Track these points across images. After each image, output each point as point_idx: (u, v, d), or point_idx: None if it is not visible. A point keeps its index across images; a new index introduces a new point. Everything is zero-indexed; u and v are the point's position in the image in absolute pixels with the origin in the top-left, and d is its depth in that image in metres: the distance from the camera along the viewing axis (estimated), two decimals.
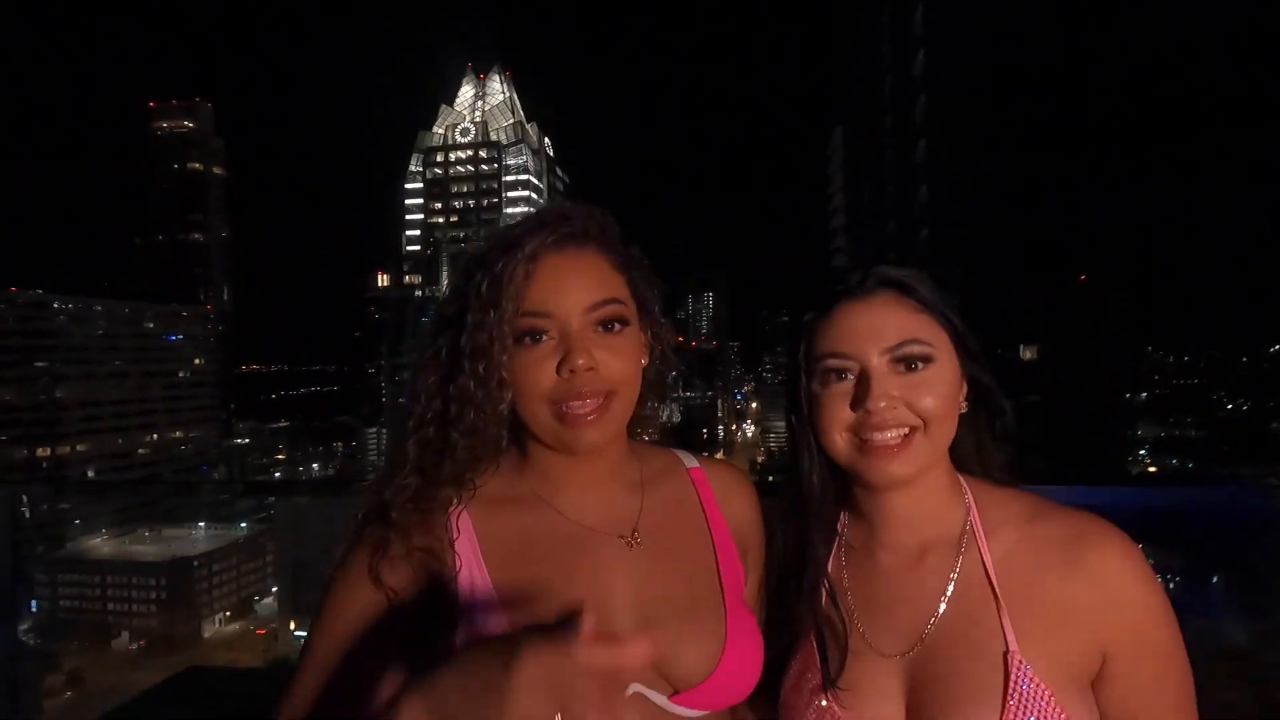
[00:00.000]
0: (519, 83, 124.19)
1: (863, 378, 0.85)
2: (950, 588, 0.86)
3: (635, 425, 0.97)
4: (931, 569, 0.88)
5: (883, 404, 0.83)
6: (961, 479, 0.92)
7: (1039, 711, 0.76)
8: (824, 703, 0.86)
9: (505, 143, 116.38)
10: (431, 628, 0.80)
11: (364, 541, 0.82)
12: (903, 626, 0.86)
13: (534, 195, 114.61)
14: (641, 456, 0.97)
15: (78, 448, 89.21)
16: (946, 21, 48.87)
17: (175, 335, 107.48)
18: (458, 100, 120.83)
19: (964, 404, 0.90)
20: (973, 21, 46.87)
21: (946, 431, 0.87)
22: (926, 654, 0.84)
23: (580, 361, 0.80)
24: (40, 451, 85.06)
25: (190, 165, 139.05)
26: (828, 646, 0.88)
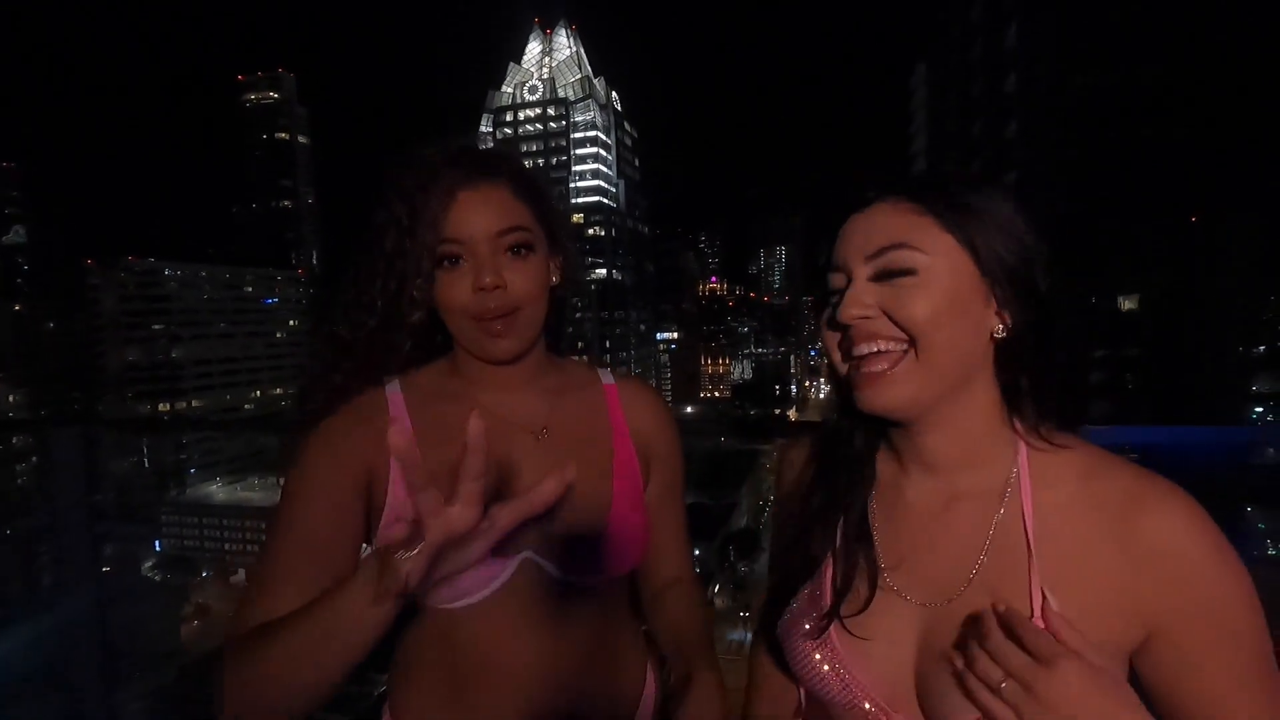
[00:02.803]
0: (585, 35, 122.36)
1: (844, 288, 0.79)
2: (988, 542, 0.79)
3: (557, 339, 1.16)
4: (966, 519, 0.81)
5: (856, 311, 0.77)
6: (1017, 423, 0.81)
7: None
8: (834, 635, 0.83)
9: (573, 99, 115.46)
10: (373, 494, 0.95)
11: (316, 422, 0.97)
12: (930, 574, 0.81)
13: (602, 151, 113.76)
14: (563, 369, 1.13)
15: (193, 403, 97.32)
16: None
17: (272, 298, 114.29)
18: (525, 58, 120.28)
19: (1001, 330, 0.78)
20: None
21: (956, 347, 0.76)
22: (954, 607, 0.78)
23: (488, 280, 0.93)
24: (161, 406, 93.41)
25: (277, 135, 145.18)
26: (847, 582, 0.84)
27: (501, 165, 1.00)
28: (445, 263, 0.96)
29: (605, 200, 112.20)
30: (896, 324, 0.75)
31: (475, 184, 0.96)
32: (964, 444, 0.81)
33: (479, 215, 0.95)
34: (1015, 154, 49.78)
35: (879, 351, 0.77)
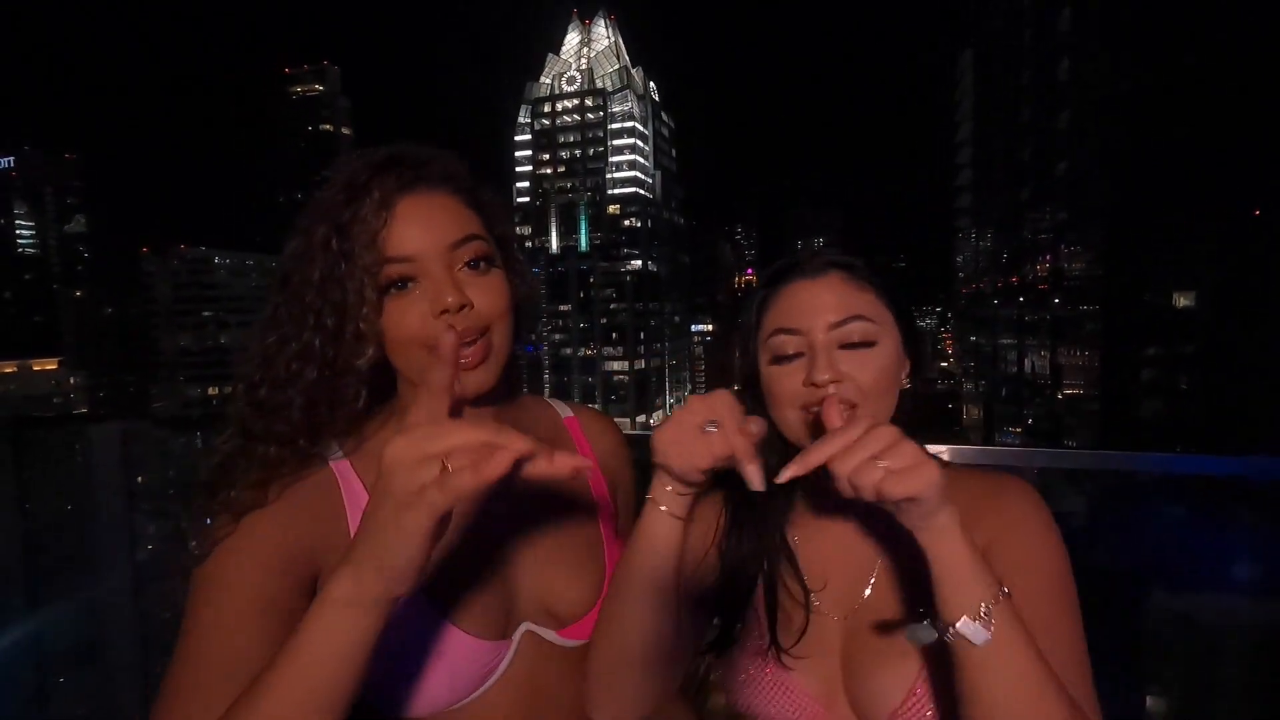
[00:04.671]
0: (624, 25, 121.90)
1: (810, 351, 0.88)
2: (885, 551, 0.92)
3: (509, 370, 0.97)
4: (870, 535, 0.94)
5: (827, 376, 0.86)
6: None
7: None
8: (775, 663, 0.91)
9: (610, 89, 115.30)
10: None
11: (239, 515, 0.75)
12: (843, 589, 0.93)
13: (639, 142, 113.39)
14: (520, 406, 0.99)
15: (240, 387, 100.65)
16: None
17: None
18: (563, 49, 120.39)
19: (906, 381, 0.93)
20: None
21: (887, 407, 0.90)
22: (864, 611, 0.90)
23: (451, 299, 0.77)
24: (210, 390, 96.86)
25: (321, 126, 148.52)
26: (781, 611, 0.93)
27: (440, 168, 0.84)
28: (392, 289, 0.79)
29: (642, 191, 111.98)
30: (856, 386, 0.87)
31: (415, 191, 0.80)
32: None
33: (426, 225, 0.79)
34: (1066, 143, 48.06)
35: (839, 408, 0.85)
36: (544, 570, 0.88)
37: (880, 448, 0.66)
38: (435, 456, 0.53)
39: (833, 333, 0.88)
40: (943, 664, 0.81)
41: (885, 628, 0.87)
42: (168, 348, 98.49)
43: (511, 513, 0.89)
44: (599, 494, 0.98)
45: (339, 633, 0.56)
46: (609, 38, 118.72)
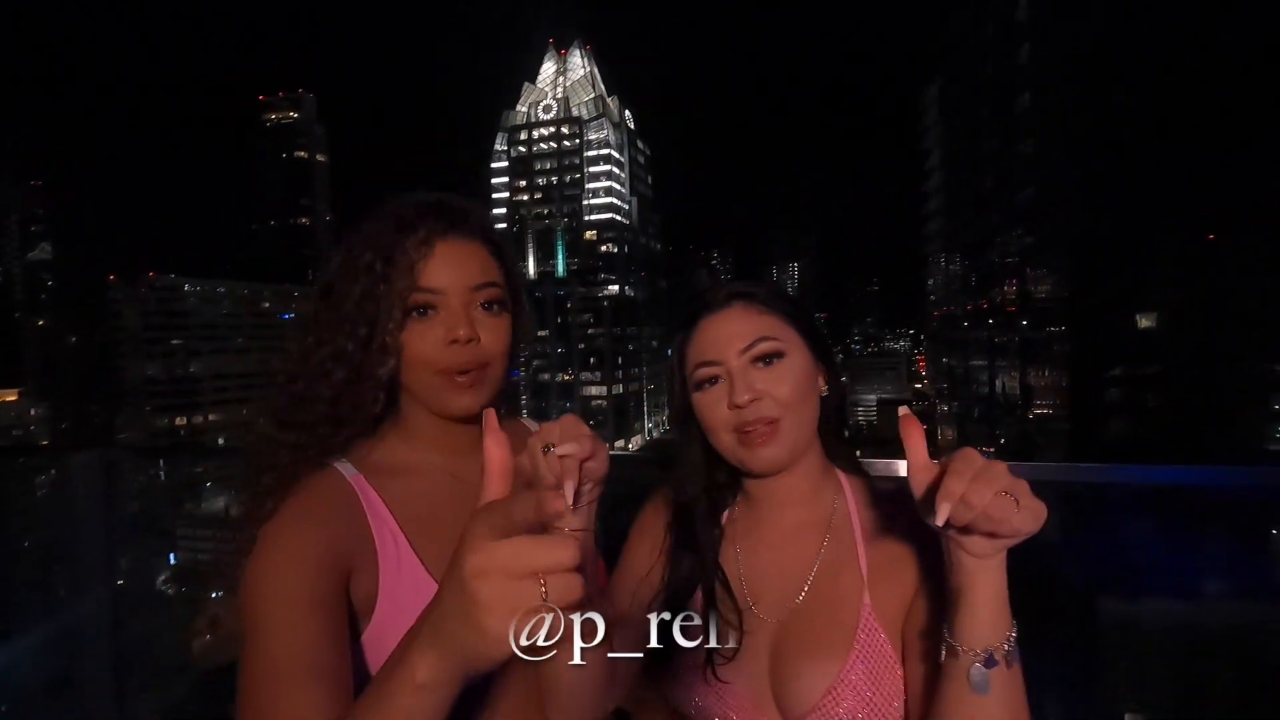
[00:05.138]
0: (599, 54, 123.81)
1: (728, 377, 0.98)
2: (820, 558, 0.99)
3: (504, 396, 1.09)
4: (807, 543, 1.01)
5: (747, 397, 0.95)
6: (833, 465, 1.06)
7: (877, 655, 0.91)
8: (710, 671, 0.97)
9: (586, 118, 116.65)
10: (357, 588, 0.85)
11: (278, 503, 0.86)
12: (778, 595, 1.00)
13: (615, 169, 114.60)
14: (508, 427, 1.05)
15: (210, 417, 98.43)
16: None
17: (289, 314, 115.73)
18: (540, 77, 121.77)
19: (824, 388, 1.03)
20: None
21: (809, 415, 1.00)
22: (796, 616, 0.97)
23: (462, 332, 0.91)
24: (178, 420, 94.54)
25: (296, 153, 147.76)
26: (721, 623, 0.99)
27: (478, 221, 1.00)
28: (415, 313, 0.93)
29: (618, 218, 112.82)
30: (774, 400, 0.96)
31: (453, 236, 0.95)
32: (804, 484, 1.03)
33: (456, 267, 0.94)
34: (1029, 171, 49.60)
35: (763, 422, 0.96)
36: None
37: (1007, 483, 0.67)
38: (523, 573, 0.51)
39: (744, 356, 0.97)
40: (862, 665, 0.90)
41: (811, 631, 0.95)
42: (133, 376, 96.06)
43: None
44: None
45: (421, 713, 0.58)
46: (584, 67, 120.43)
